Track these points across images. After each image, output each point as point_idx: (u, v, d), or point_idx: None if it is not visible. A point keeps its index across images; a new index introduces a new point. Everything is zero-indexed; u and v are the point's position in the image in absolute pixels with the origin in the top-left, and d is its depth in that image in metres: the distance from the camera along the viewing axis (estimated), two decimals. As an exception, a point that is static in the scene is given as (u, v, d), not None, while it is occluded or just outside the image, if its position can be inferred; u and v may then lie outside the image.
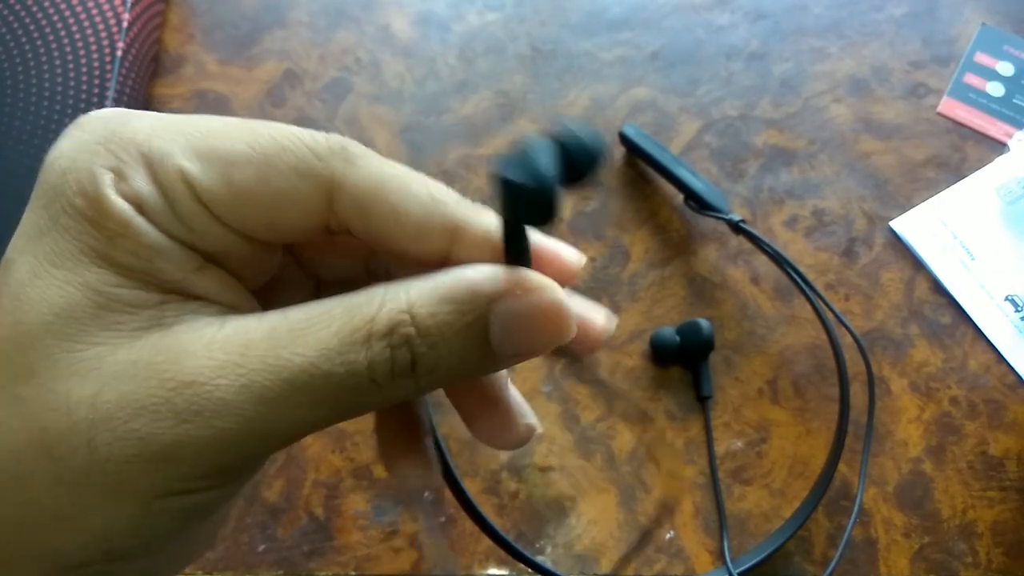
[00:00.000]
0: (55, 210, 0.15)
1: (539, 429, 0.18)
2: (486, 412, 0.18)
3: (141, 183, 0.15)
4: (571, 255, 0.18)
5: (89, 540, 0.14)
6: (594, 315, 0.17)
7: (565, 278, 0.17)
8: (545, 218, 0.14)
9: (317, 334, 0.15)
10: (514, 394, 0.19)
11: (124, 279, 0.15)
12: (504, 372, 0.19)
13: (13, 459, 0.14)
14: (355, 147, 0.16)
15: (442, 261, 0.17)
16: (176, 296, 0.15)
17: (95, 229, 0.15)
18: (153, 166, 0.15)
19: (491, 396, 0.18)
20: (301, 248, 0.19)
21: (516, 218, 0.15)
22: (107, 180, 0.15)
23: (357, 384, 0.14)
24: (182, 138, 0.15)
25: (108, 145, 0.15)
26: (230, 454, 0.14)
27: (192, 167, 0.15)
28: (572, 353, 0.18)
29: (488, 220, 0.17)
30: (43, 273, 0.15)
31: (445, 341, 0.15)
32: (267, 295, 0.18)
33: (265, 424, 0.14)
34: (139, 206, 0.15)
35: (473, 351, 0.15)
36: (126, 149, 0.15)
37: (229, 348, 0.14)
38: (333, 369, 0.14)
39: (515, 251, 0.16)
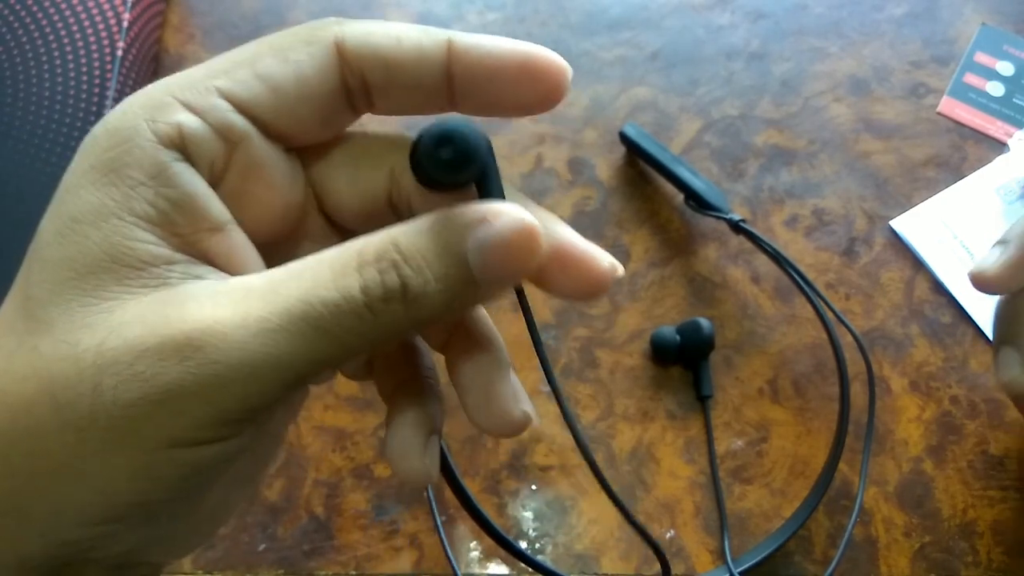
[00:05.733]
0: (83, 168, 0.16)
1: (536, 422, 0.19)
2: (486, 390, 0.18)
3: (180, 115, 0.16)
4: (603, 262, 0.18)
5: (93, 495, 0.15)
6: (597, 255, 0.18)
7: (593, 285, 0.18)
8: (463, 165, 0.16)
9: (312, 270, 0.16)
10: (514, 380, 0.19)
11: (139, 231, 0.16)
12: (506, 355, 0.19)
13: (24, 409, 0.15)
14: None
15: (445, 81, 0.18)
16: (185, 256, 0.16)
17: (118, 179, 0.16)
18: (190, 101, 0.16)
19: (492, 373, 0.19)
20: (323, 191, 0.20)
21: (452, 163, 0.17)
22: (143, 126, 0.16)
23: (353, 310, 0.15)
24: (204, 69, 0.17)
25: (144, 99, 0.16)
26: (235, 395, 0.15)
27: (225, 83, 0.17)
28: (576, 297, 0.18)
29: (474, 36, 0.18)
30: (66, 231, 0.15)
31: (428, 265, 0.16)
32: (293, 252, 0.19)
33: (266, 357, 0.15)
34: (179, 140, 0.16)
35: (455, 276, 0.16)
36: (162, 95, 0.16)
37: (232, 293, 0.15)
38: (329, 295, 0.15)
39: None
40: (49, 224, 0.16)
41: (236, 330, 0.14)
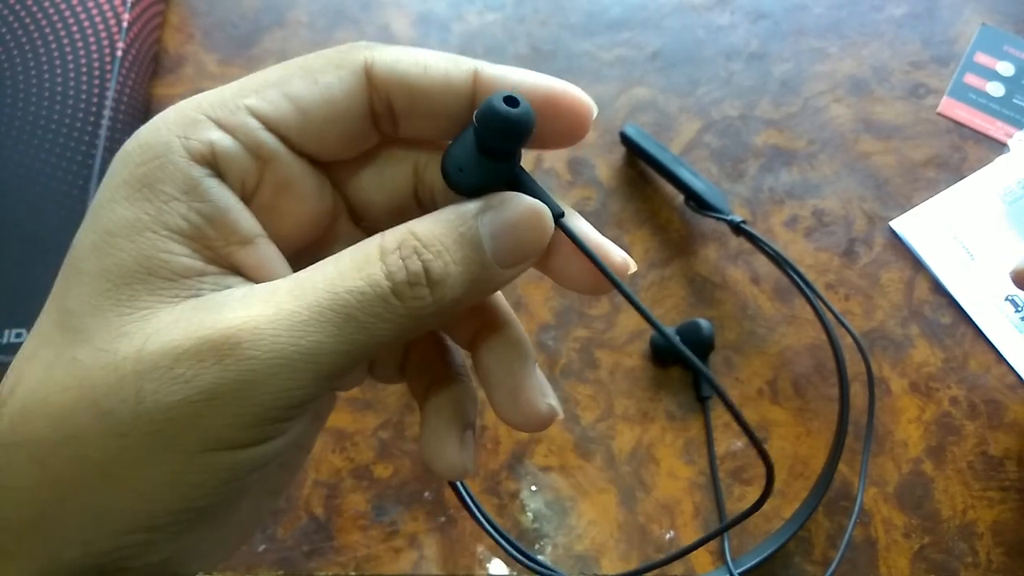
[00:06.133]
0: (116, 183, 0.16)
1: (560, 414, 0.20)
2: (513, 385, 0.19)
3: (212, 134, 0.17)
4: (617, 257, 0.19)
5: (134, 503, 0.15)
6: (611, 250, 0.19)
7: (605, 280, 0.18)
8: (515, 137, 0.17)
9: (336, 264, 0.16)
10: (539, 374, 0.20)
11: (172, 244, 0.16)
12: (531, 350, 0.20)
13: (66, 418, 0.15)
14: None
15: (470, 110, 0.18)
16: (216, 268, 0.17)
17: (152, 194, 0.16)
18: (222, 119, 0.17)
19: (519, 369, 0.19)
20: (350, 192, 0.20)
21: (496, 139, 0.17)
22: (176, 142, 0.16)
23: (380, 296, 0.16)
24: (234, 88, 0.17)
25: (176, 115, 0.17)
26: (272, 391, 0.15)
27: (256, 102, 0.17)
28: (588, 291, 0.19)
29: (501, 68, 0.18)
30: (101, 244, 0.16)
31: (447, 250, 0.17)
32: (324, 256, 0.20)
33: (299, 349, 0.15)
34: (211, 157, 0.16)
35: (473, 259, 0.17)
36: (194, 113, 0.17)
37: (261, 294, 0.16)
38: (355, 284, 0.16)
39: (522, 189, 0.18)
40: (84, 238, 0.16)
41: (268, 325, 0.15)
